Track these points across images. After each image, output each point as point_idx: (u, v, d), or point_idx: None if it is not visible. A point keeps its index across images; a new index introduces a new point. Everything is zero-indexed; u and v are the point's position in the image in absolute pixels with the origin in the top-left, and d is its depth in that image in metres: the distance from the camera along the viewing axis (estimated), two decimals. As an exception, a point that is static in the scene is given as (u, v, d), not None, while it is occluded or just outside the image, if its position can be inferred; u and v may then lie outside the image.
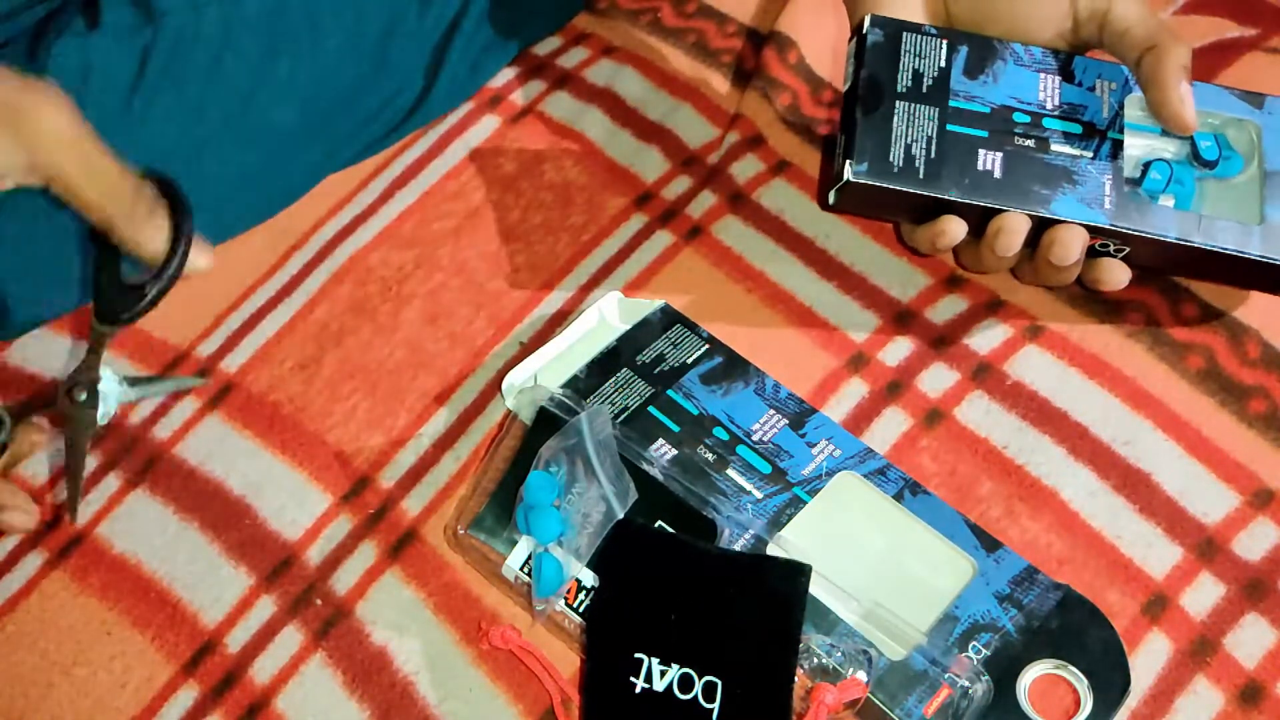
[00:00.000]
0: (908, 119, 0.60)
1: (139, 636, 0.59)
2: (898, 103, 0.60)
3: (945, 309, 0.64)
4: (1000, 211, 0.58)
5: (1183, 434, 0.59)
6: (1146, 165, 0.60)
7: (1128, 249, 0.59)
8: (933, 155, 0.59)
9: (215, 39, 0.69)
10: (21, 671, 0.59)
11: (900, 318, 0.64)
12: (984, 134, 0.60)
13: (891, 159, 0.59)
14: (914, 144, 0.59)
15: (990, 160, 0.59)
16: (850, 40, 0.62)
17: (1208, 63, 0.72)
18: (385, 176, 0.73)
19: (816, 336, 0.64)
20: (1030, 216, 0.58)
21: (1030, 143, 0.60)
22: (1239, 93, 0.61)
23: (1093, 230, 0.58)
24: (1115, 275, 0.60)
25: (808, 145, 0.71)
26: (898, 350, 0.63)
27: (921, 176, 0.59)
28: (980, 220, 0.59)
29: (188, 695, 0.58)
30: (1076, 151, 0.60)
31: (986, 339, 0.63)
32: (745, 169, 0.70)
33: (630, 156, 0.72)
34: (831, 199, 0.60)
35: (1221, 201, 0.60)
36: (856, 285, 0.65)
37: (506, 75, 0.77)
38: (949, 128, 0.60)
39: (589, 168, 0.72)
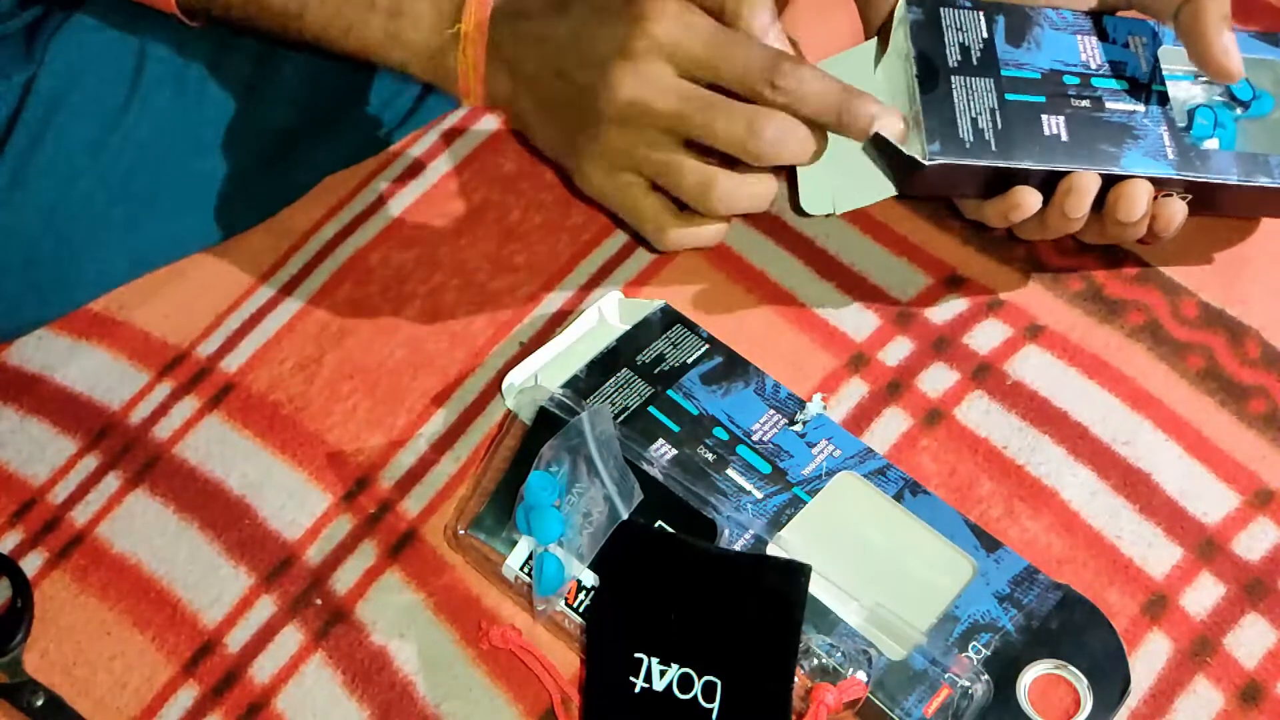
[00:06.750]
0: (966, 93, 0.59)
1: (139, 636, 0.59)
2: (953, 77, 0.60)
3: (945, 309, 0.64)
4: (1068, 173, 0.58)
5: (1183, 434, 0.59)
6: (1191, 112, 0.61)
7: (1190, 195, 0.60)
8: (999, 126, 0.59)
9: (216, 37, 0.69)
10: (21, 671, 0.59)
11: (900, 318, 0.64)
12: (1042, 99, 0.60)
13: (962, 135, 0.58)
14: (979, 117, 0.59)
15: (1055, 124, 0.59)
16: (878, 31, 0.62)
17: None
18: (385, 176, 0.73)
19: (816, 336, 0.64)
20: (1099, 175, 0.58)
21: (1086, 103, 0.60)
22: (1259, 34, 0.63)
23: (1159, 182, 0.58)
24: (1175, 214, 0.59)
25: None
26: (898, 350, 0.63)
27: (994, 149, 0.58)
28: (1043, 185, 0.59)
29: (188, 695, 0.58)
30: (1130, 106, 0.60)
31: (986, 339, 0.63)
32: (745, 169, 0.70)
33: (630, 156, 0.72)
34: (902, 186, 0.60)
35: (1261, 139, 0.62)
36: (856, 285, 0.65)
37: (506, 75, 0.77)
38: (1008, 97, 0.60)
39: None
